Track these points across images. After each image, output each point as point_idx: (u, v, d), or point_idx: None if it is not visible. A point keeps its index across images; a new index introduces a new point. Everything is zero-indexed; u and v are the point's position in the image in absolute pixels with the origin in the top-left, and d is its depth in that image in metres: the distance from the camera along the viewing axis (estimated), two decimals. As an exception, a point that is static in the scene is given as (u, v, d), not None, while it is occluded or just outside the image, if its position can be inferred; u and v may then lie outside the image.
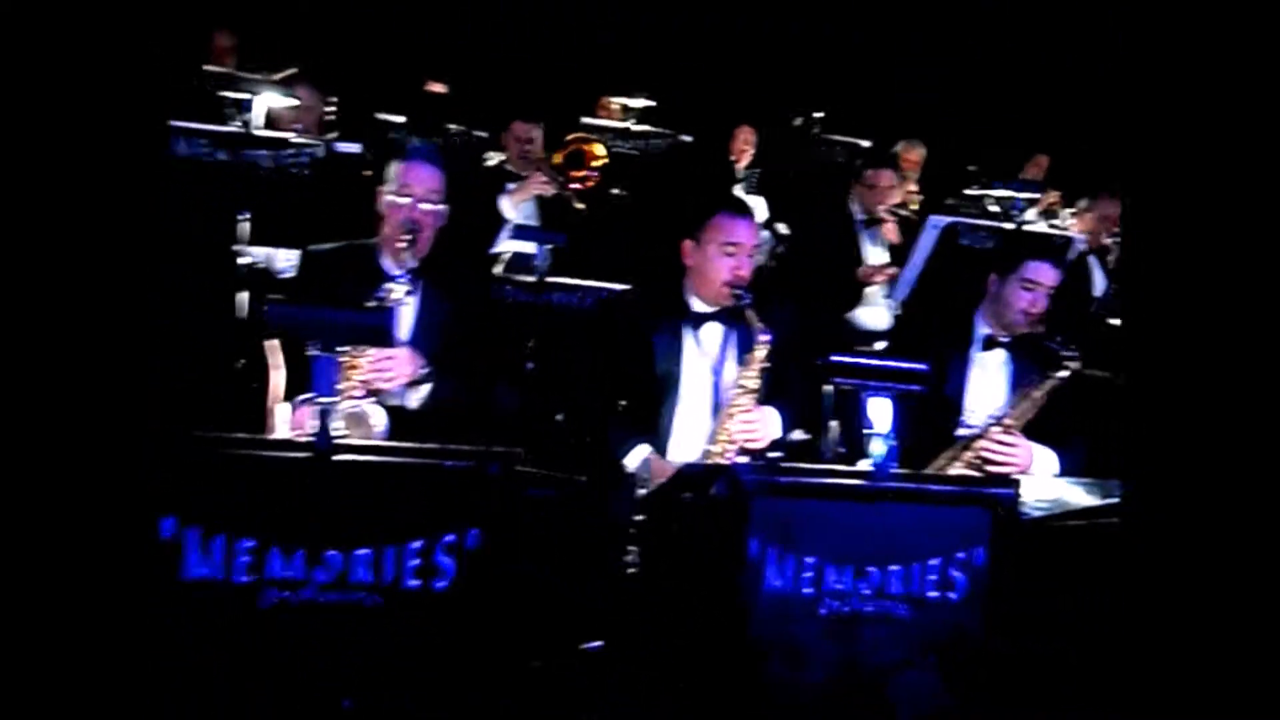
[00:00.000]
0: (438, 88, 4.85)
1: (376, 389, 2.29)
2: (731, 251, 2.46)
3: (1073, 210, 4.50)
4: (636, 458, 2.43)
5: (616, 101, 4.71)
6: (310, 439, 1.39)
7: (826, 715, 1.59)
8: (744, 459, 2.39)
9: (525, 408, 2.61)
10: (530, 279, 3.04)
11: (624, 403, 2.49)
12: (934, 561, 1.66)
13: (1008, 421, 2.63)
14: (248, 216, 2.94)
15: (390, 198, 2.45)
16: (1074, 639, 1.97)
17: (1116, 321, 3.51)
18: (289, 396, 2.08)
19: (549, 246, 3.82)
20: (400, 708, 1.32)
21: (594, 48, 5.20)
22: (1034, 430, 2.73)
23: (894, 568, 1.64)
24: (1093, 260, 4.33)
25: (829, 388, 1.72)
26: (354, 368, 2.27)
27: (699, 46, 5.50)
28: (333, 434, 1.40)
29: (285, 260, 2.92)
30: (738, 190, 5.25)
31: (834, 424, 2.55)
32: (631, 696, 1.71)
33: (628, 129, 4.52)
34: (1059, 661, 1.91)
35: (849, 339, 4.21)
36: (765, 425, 2.41)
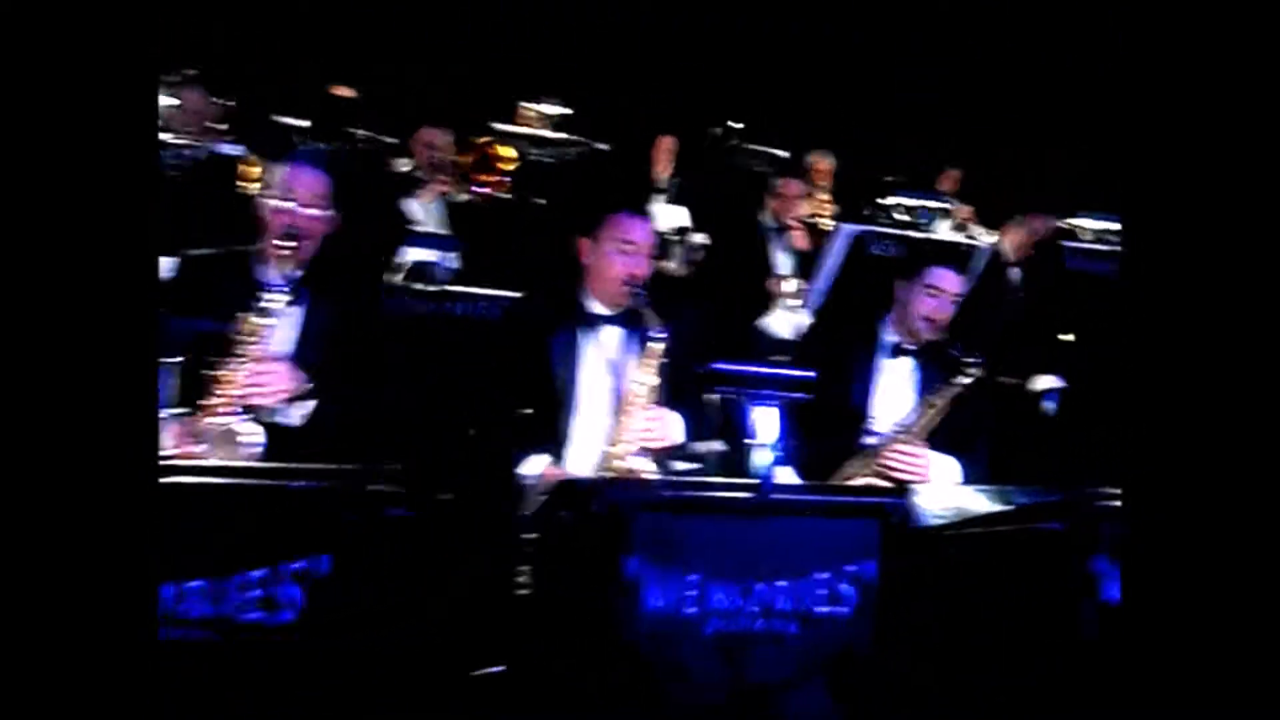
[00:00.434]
0: (344, 92, 4.69)
1: (252, 405, 2.16)
2: (628, 250, 2.42)
3: (1008, 224, 4.54)
4: (533, 467, 2.39)
5: (532, 108, 4.63)
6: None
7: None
8: (646, 461, 2.34)
9: (421, 422, 2.49)
10: (430, 288, 2.94)
11: (525, 411, 2.41)
12: (823, 575, 1.61)
13: (911, 431, 2.63)
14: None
15: (272, 203, 2.32)
16: (969, 650, 1.94)
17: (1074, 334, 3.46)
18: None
19: (453, 255, 3.75)
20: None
21: (510, 54, 5.11)
22: (939, 438, 2.74)
23: (781, 583, 1.58)
24: (1015, 272, 4.41)
25: (714, 397, 1.66)
26: (227, 382, 2.14)
27: (619, 54, 5.46)
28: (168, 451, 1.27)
29: (161, 266, 2.75)
30: (659, 199, 5.24)
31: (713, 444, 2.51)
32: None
33: (543, 136, 4.44)
34: (953, 675, 1.88)
35: (761, 347, 4.22)
36: (665, 425, 2.35)
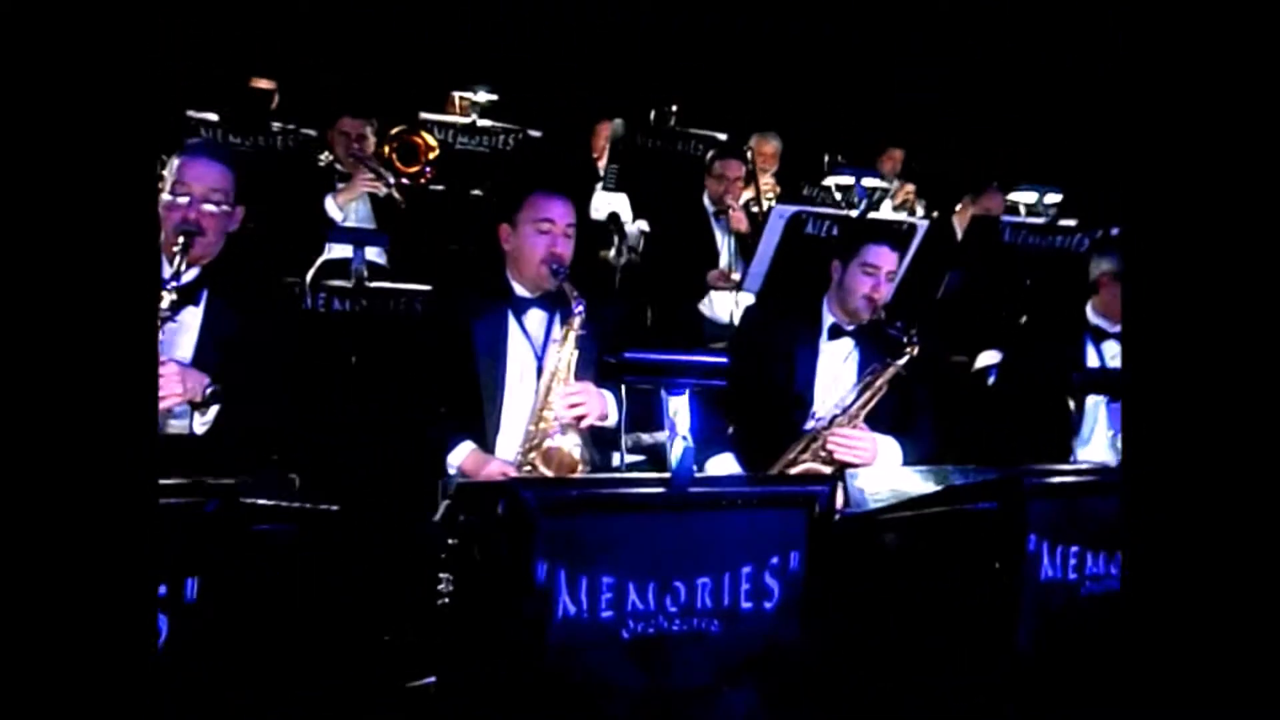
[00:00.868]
0: (264, 84, 4.52)
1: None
2: (546, 230, 2.40)
3: (958, 205, 4.51)
4: (460, 456, 2.31)
5: (464, 96, 4.49)
6: None
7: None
8: (573, 438, 2.27)
9: (335, 426, 2.38)
10: (346, 285, 2.81)
11: (443, 409, 2.34)
12: (746, 570, 1.53)
13: (850, 413, 2.57)
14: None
15: (165, 197, 2.18)
16: (901, 640, 1.88)
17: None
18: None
19: (376, 250, 3.61)
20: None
21: (440, 41, 4.96)
22: (880, 419, 2.69)
23: (703, 580, 1.50)
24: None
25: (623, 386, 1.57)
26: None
27: (553, 40, 5.33)
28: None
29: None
30: (599, 187, 5.14)
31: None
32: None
33: (473, 124, 4.30)
34: (887, 665, 1.82)
35: (703, 331, 4.16)
36: (591, 399, 2.29)
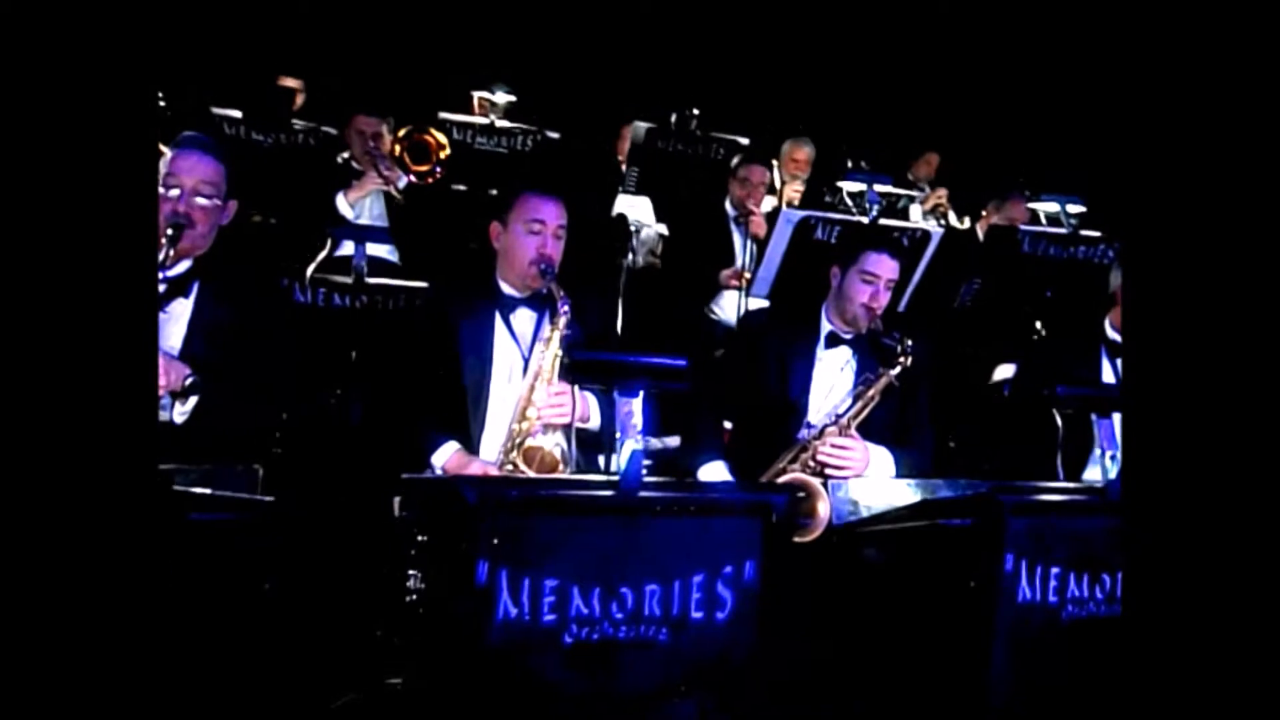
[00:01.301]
0: (291, 82, 4.59)
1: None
2: (537, 230, 2.39)
3: (983, 211, 4.42)
4: (444, 455, 2.31)
5: (485, 97, 4.51)
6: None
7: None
8: (558, 438, 2.25)
9: (316, 418, 2.39)
10: (346, 280, 2.83)
11: (430, 405, 2.33)
12: (697, 578, 1.49)
13: (843, 422, 2.51)
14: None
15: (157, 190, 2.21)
16: (874, 656, 1.83)
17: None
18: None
19: (383, 246, 3.64)
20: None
21: (463, 42, 4.99)
22: (878, 429, 2.62)
23: (651, 587, 1.47)
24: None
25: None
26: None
27: (574, 43, 5.33)
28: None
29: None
30: (622, 190, 5.13)
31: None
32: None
33: (491, 125, 4.32)
34: (854, 682, 1.76)
35: (713, 334, 4.11)
36: (571, 402, 2.27)
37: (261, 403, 2.19)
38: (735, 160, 4.72)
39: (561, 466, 2.21)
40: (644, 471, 1.43)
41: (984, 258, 3.58)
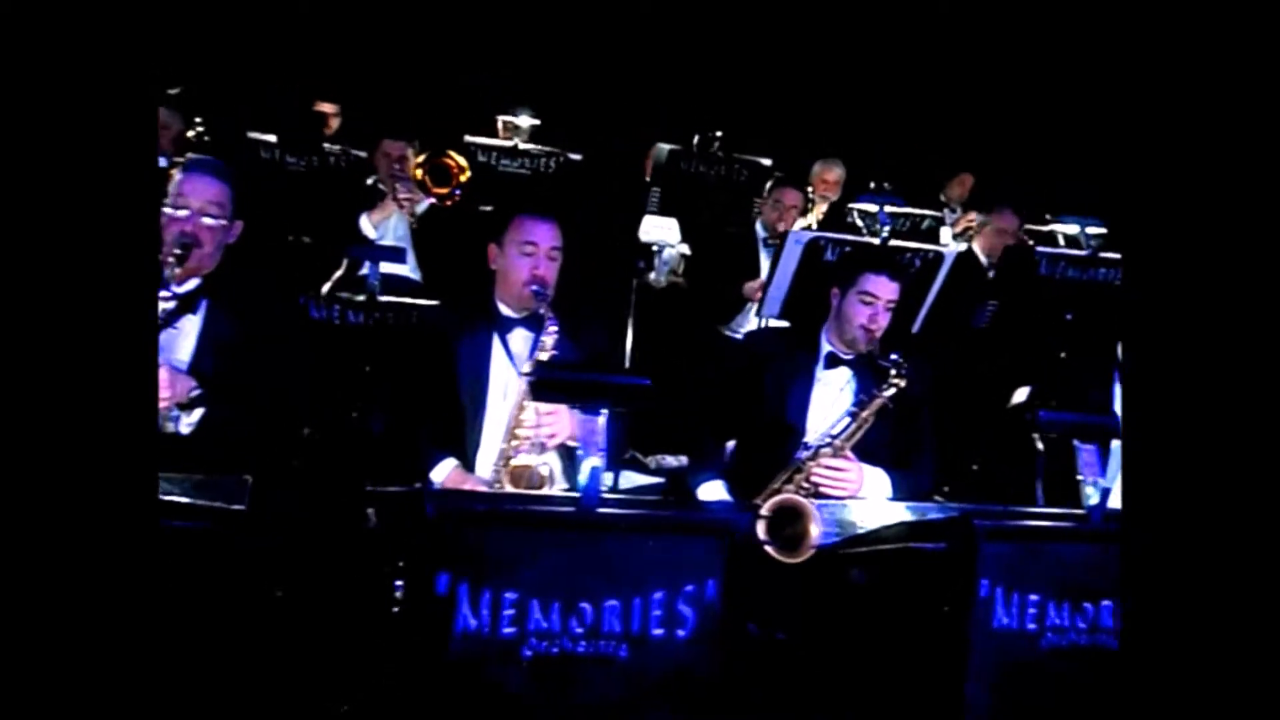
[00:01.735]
0: (326, 107, 4.75)
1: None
2: (530, 251, 2.45)
3: (980, 227, 4.40)
4: (442, 472, 2.37)
5: (510, 120, 4.61)
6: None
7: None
8: (551, 458, 2.29)
9: (315, 432, 2.46)
10: (358, 298, 2.91)
11: (430, 422, 2.39)
12: (658, 595, 1.50)
13: (837, 443, 2.50)
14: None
15: (165, 210, 2.32)
16: (841, 680, 1.82)
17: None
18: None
19: (400, 265, 3.73)
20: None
21: (488, 66, 5.11)
22: (879, 451, 2.61)
23: (611, 603, 1.49)
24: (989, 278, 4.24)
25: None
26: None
27: (599, 66, 5.42)
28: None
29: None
30: (649, 212, 5.19)
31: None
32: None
33: (514, 147, 4.41)
34: (824, 704, 1.75)
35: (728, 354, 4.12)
36: (561, 420, 2.30)
37: (272, 415, 2.27)
38: (769, 183, 4.76)
39: (548, 486, 2.25)
40: (603, 489, 1.45)
41: (1000, 279, 3.53)
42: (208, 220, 2.29)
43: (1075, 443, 1.77)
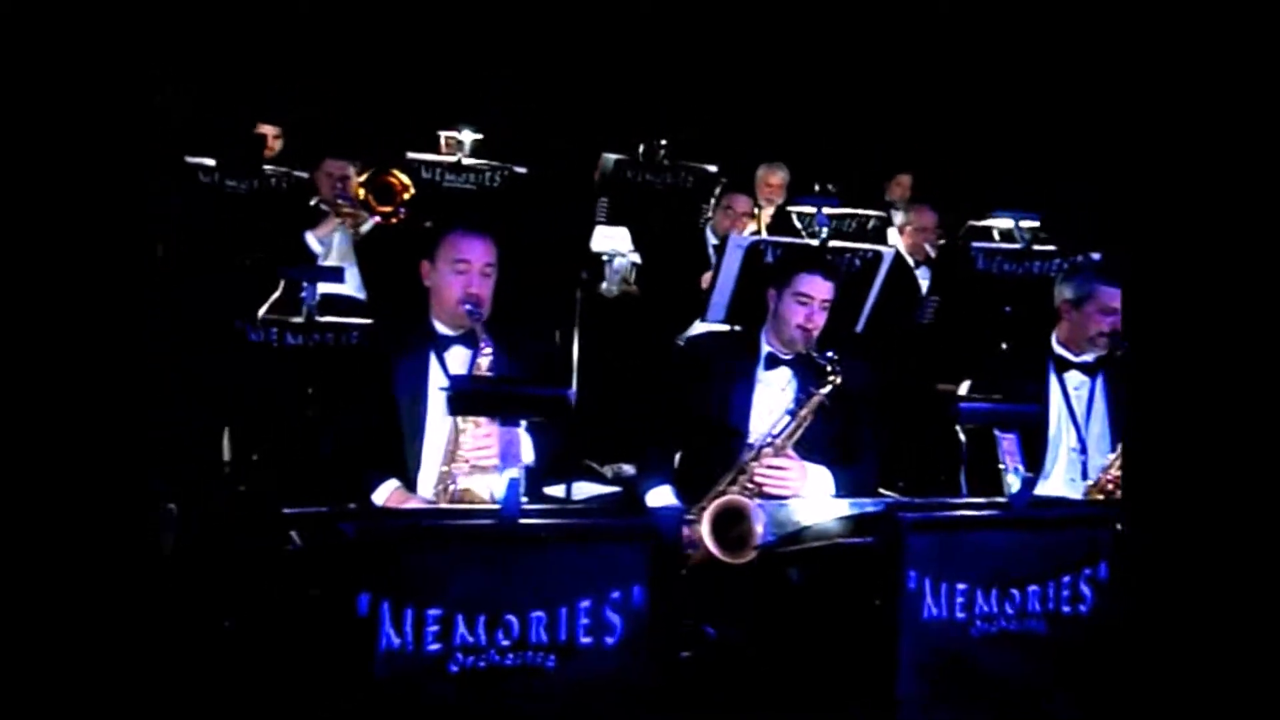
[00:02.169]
0: (267, 129, 4.71)
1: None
2: (463, 269, 2.43)
3: (901, 225, 4.48)
4: (384, 494, 2.34)
5: (452, 136, 4.61)
6: None
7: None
8: (492, 480, 2.27)
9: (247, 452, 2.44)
10: (296, 320, 2.90)
11: (369, 443, 2.37)
12: (584, 604, 1.51)
13: (778, 442, 2.53)
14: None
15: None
16: (785, 678, 1.83)
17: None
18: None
19: (356, 285, 3.72)
20: None
21: (429, 83, 5.10)
22: (822, 449, 2.63)
23: (537, 614, 1.49)
24: (923, 272, 4.30)
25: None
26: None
27: (540, 79, 5.44)
28: None
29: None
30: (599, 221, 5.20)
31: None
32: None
33: (458, 163, 4.41)
34: (762, 701, 1.77)
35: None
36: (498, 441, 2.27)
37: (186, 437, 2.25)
38: (718, 190, 4.79)
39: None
40: (524, 500, 1.46)
41: (938, 276, 3.59)
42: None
43: (996, 432, 1.80)
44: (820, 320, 2.65)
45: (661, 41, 5.70)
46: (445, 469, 2.26)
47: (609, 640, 1.52)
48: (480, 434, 2.24)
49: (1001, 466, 1.79)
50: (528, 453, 2.36)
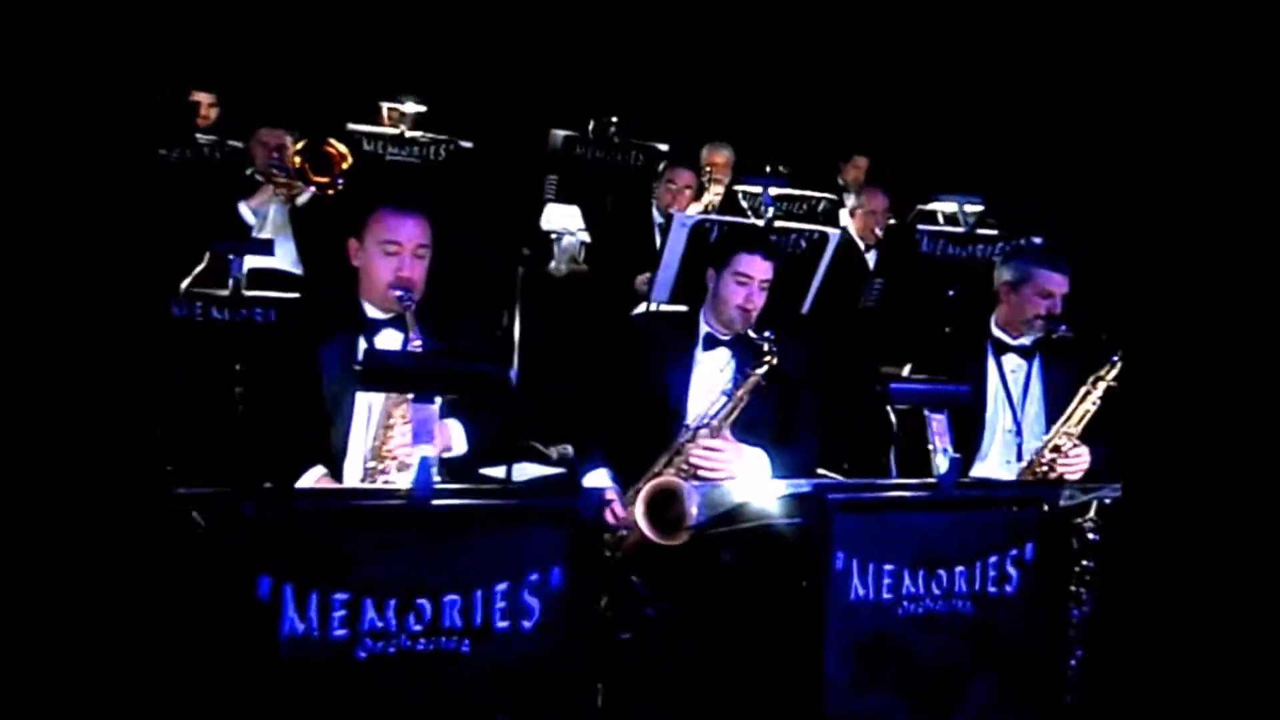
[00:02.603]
0: (201, 96, 4.54)
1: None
2: (393, 250, 2.27)
3: (852, 207, 4.49)
4: (310, 480, 2.24)
5: (394, 108, 4.48)
6: None
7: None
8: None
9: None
10: (223, 294, 2.79)
11: (295, 428, 2.26)
12: (501, 587, 1.46)
13: (714, 423, 2.50)
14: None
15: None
16: (711, 659, 1.81)
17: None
18: None
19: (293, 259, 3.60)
20: None
21: (372, 52, 4.96)
22: (761, 430, 2.61)
23: (450, 598, 1.44)
24: (872, 256, 4.32)
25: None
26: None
27: (489, 52, 5.32)
28: None
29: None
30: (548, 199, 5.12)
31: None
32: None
33: (401, 135, 4.29)
34: (692, 682, 1.74)
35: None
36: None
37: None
38: (661, 165, 4.73)
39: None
40: (435, 480, 1.40)
41: (883, 259, 3.59)
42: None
43: (925, 412, 1.79)
44: (759, 300, 2.62)
45: (619, 19, 5.61)
46: (373, 465, 2.13)
47: (526, 624, 1.48)
48: (409, 430, 2.12)
49: (931, 447, 1.78)
50: (459, 442, 2.27)
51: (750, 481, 2.29)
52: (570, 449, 3.66)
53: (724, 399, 2.50)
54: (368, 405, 2.27)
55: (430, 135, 4.33)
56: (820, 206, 4.98)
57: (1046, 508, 1.86)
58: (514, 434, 3.30)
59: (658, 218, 4.63)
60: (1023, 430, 2.86)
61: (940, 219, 4.04)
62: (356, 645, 1.40)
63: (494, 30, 5.31)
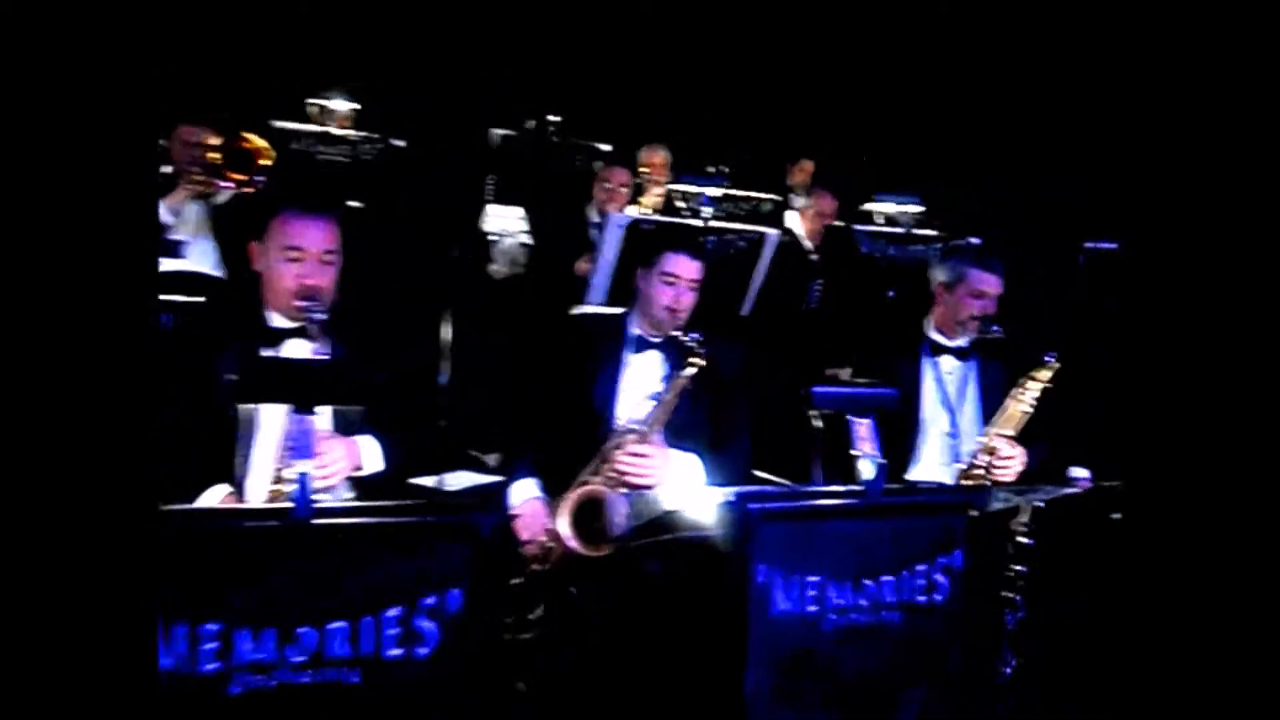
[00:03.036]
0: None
1: None
2: (295, 257, 2.10)
3: (801, 208, 4.46)
4: (213, 499, 2.10)
5: (323, 105, 4.33)
6: None
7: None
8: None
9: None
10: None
11: (195, 443, 2.10)
12: (392, 612, 1.36)
13: (641, 430, 2.41)
14: None
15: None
16: (632, 675, 1.73)
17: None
18: None
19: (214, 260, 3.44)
20: None
21: (302, 48, 4.80)
22: (693, 435, 2.54)
23: (337, 625, 1.33)
24: (817, 259, 4.29)
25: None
26: None
27: (427, 49, 5.19)
28: None
29: None
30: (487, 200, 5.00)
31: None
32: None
33: (329, 134, 4.14)
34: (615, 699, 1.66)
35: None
36: (337, 455, 2.01)
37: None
38: (598, 165, 4.64)
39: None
40: (316, 500, 1.30)
41: (823, 259, 3.54)
42: None
43: (849, 418, 1.72)
44: (688, 301, 2.54)
45: (560, 17, 5.51)
46: (275, 489, 1.94)
47: (421, 650, 1.37)
48: (320, 448, 1.92)
49: (855, 453, 1.71)
50: (372, 460, 2.12)
51: (678, 489, 2.20)
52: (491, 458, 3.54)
53: (652, 403, 2.42)
54: (272, 416, 2.14)
55: (362, 134, 4.18)
56: (766, 208, 4.94)
57: (976, 513, 1.80)
58: (444, 444, 3.18)
59: (594, 218, 4.55)
60: (959, 432, 2.83)
61: (879, 220, 4.02)
62: (229, 681, 1.28)
63: (432, 28, 5.18)
